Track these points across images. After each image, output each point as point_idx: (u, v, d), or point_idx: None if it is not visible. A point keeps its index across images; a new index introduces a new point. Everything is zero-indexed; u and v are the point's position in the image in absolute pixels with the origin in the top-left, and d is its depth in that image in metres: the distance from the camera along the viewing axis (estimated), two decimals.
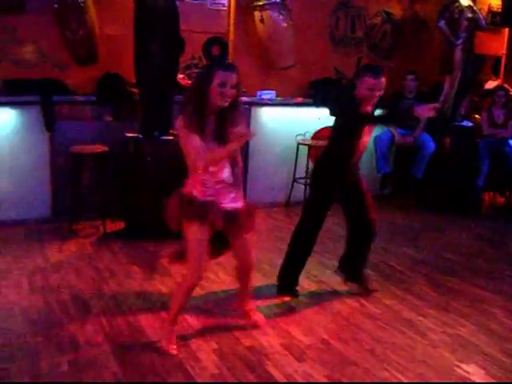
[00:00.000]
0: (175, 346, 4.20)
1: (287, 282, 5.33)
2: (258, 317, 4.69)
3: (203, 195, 4.03)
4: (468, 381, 4.03)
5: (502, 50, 11.17)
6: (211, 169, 3.99)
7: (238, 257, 4.41)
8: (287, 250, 5.30)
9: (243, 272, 4.50)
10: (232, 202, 4.14)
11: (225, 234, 4.23)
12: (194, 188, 4.03)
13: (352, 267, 5.45)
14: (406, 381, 3.97)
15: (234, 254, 4.40)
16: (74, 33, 7.48)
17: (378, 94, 4.75)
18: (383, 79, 4.72)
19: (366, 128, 4.96)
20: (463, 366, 4.20)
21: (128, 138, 6.71)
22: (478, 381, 4.03)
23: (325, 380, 3.93)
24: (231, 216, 4.11)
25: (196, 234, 4.02)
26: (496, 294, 5.46)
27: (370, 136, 5.28)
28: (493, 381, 4.05)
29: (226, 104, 3.87)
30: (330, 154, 5.10)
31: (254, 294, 4.79)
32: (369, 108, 4.86)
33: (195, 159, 3.90)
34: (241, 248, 4.33)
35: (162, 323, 4.48)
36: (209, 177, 4.01)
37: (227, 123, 3.96)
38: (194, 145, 3.85)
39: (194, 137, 3.84)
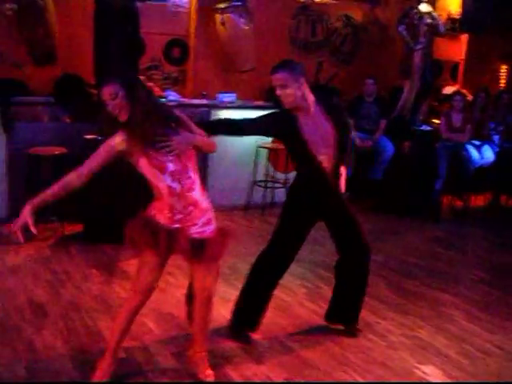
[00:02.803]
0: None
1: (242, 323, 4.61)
2: (208, 373, 3.91)
3: (171, 222, 3.61)
4: (426, 381, 4.07)
5: (461, 56, 11.37)
6: (176, 188, 3.56)
7: (196, 286, 3.83)
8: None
9: (200, 305, 3.84)
10: (203, 226, 3.66)
11: (187, 260, 3.77)
12: (160, 213, 3.63)
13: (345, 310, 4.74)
14: (363, 381, 3.99)
15: (193, 283, 3.88)
16: (33, 32, 7.38)
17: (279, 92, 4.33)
18: (279, 75, 4.26)
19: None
20: (422, 367, 4.24)
21: (87, 140, 6.62)
22: (436, 382, 4.07)
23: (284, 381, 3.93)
24: (199, 244, 3.63)
25: (149, 264, 3.66)
26: (454, 297, 5.52)
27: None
28: (450, 381, 4.09)
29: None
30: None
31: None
32: None
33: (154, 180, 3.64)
34: (202, 277, 3.77)
35: None
36: (177, 199, 3.58)
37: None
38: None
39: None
